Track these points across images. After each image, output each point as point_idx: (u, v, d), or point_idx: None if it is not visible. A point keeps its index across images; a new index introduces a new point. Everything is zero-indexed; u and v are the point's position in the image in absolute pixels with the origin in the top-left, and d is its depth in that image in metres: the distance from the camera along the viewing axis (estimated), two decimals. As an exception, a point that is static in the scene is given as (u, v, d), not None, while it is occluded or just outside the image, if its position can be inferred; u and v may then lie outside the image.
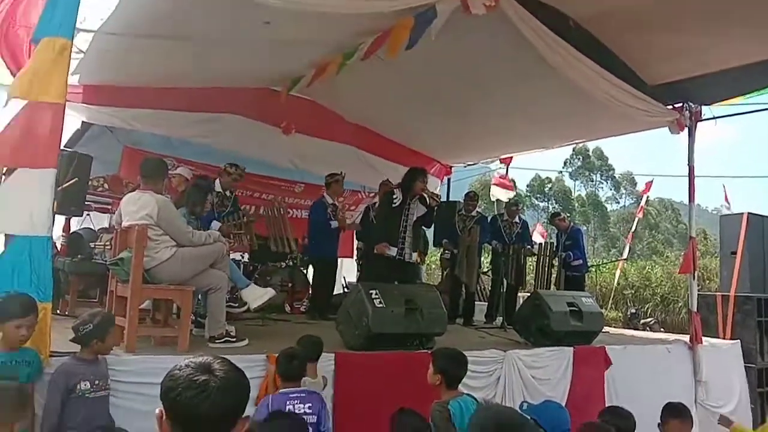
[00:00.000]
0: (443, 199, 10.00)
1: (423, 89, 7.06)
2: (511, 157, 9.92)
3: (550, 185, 42.48)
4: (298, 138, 8.23)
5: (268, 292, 4.77)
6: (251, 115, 7.83)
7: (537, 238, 11.67)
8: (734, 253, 7.49)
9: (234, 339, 4.35)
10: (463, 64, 6.30)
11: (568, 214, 9.99)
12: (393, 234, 6.11)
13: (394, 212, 6.13)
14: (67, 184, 5.45)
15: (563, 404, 4.95)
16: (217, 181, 6.21)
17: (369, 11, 4.44)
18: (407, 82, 6.85)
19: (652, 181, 14.24)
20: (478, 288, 8.71)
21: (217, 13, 4.73)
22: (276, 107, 7.49)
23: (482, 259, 8.62)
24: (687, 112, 6.31)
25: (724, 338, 6.97)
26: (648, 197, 15.98)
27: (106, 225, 6.67)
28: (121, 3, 4.36)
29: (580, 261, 8.52)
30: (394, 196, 6.15)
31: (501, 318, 7.49)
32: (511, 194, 10.93)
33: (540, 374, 5.12)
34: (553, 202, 41.26)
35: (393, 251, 6.12)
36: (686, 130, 6.40)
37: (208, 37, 5.35)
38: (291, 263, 7.44)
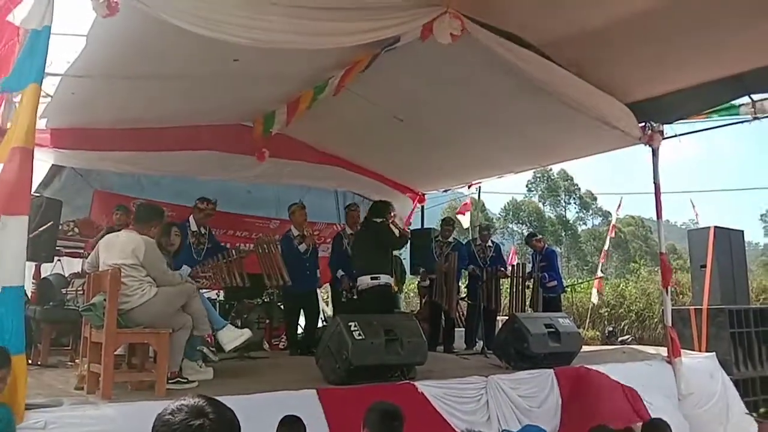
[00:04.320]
0: (417, 226, 10.09)
1: (394, 120, 7.14)
2: (480, 182, 10.10)
3: (524, 207, 43.00)
4: (276, 161, 8.07)
5: (245, 334, 4.74)
6: (224, 151, 7.75)
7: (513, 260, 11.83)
8: (704, 266, 7.61)
9: (185, 380, 4.33)
10: (432, 94, 6.40)
11: (542, 236, 10.11)
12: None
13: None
14: (42, 228, 5.35)
15: (558, 425, 5.00)
16: (191, 218, 6.16)
17: (337, 46, 4.51)
18: (377, 112, 6.92)
19: (621, 201, 14.62)
20: (457, 314, 8.72)
21: (185, 52, 4.74)
22: (247, 143, 7.48)
23: (460, 284, 8.65)
24: (649, 131, 6.47)
25: (699, 351, 7.06)
26: (618, 216, 16.28)
27: (78, 270, 6.55)
28: (88, 45, 4.36)
29: (555, 282, 8.62)
30: None
31: (481, 343, 7.50)
32: (467, 217, 11.20)
33: (526, 396, 5.12)
34: (527, 224, 41.69)
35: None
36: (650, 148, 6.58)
37: (176, 76, 5.37)
38: (267, 299, 7.37)
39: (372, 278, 6.12)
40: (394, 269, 8.56)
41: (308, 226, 7.17)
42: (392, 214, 6.47)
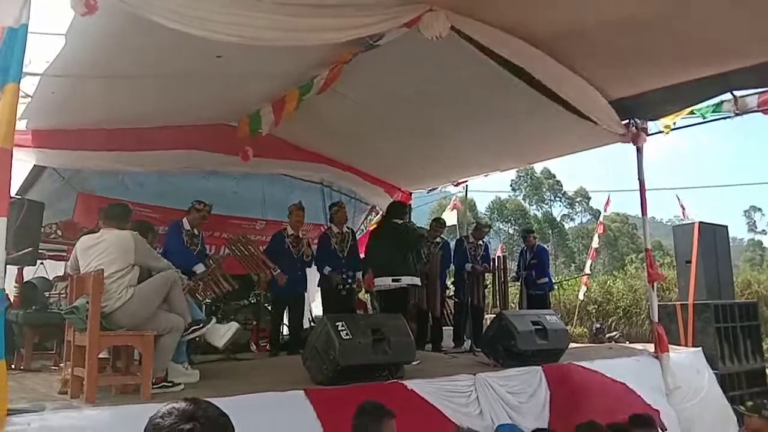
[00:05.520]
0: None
1: (378, 118, 7.13)
2: (466, 181, 10.14)
3: (507, 205, 43.15)
4: (261, 161, 7.87)
5: (232, 327, 4.68)
6: (208, 150, 7.66)
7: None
8: (689, 262, 7.65)
9: (170, 384, 4.27)
10: (417, 93, 6.39)
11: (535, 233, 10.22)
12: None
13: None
14: (21, 253, 5.30)
15: (548, 420, 5.03)
16: (185, 219, 6.14)
17: (320, 43, 4.48)
18: (362, 112, 6.91)
19: (609, 198, 14.73)
20: (445, 312, 8.71)
21: (165, 50, 4.68)
22: (231, 142, 7.42)
23: (447, 282, 8.64)
24: (634, 128, 6.49)
25: (686, 346, 7.10)
26: (605, 215, 16.35)
27: (61, 273, 6.47)
28: (68, 44, 4.29)
29: (545, 279, 8.70)
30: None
31: (470, 341, 7.50)
32: (454, 214, 11.31)
33: (515, 392, 5.12)
34: (511, 222, 41.89)
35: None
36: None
37: (158, 75, 5.31)
38: (254, 300, 7.31)
39: (393, 280, 6.21)
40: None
41: (305, 228, 7.24)
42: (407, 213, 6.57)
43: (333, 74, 5.44)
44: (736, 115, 6.43)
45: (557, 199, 46.70)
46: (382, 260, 6.47)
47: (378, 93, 6.43)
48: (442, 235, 8.25)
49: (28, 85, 4.81)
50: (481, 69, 5.35)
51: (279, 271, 6.74)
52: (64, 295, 5.56)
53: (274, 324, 7.12)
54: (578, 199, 47.17)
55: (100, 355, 3.96)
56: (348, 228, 7.37)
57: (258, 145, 7.37)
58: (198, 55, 4.77)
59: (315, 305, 9.36)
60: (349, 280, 6.95)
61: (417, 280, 6.49)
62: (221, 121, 7.32)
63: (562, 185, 46.10)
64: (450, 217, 11.61)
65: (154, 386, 4.04)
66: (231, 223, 8.47)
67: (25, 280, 6.22)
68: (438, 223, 8.37)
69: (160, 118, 6.72)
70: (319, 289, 7.31)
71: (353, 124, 7.39)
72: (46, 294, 6.14)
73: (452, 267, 8.21)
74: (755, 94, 6.22)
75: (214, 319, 4.80)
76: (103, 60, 4.75)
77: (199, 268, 5.79)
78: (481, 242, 8.29)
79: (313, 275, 7.23)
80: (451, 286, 8.61)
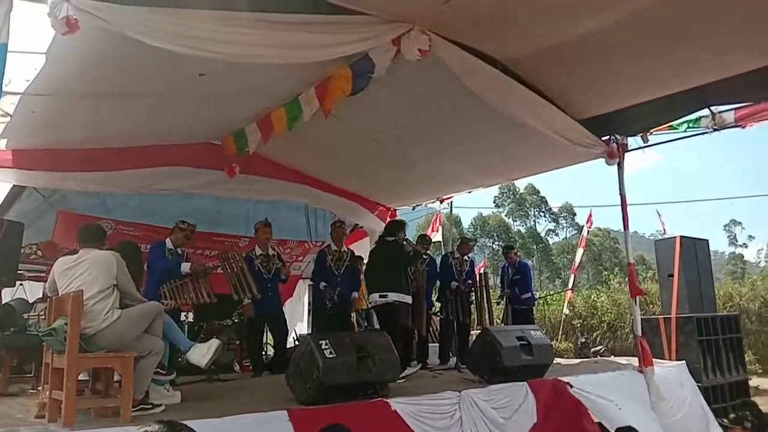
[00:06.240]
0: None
1: (362, 137, 7.14)
2: (451, 197, 10.16)
3: (490, 221, 43.48)
4: (246, 177, 7.94)
5: (213, 344, 4.60)
6: (193, 166, 7.60)
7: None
8: (671, 276, 7.71)
9: (149, 406, 4.20)
10: (399, 111, 6.43)
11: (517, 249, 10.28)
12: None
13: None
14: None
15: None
16: (169, 239, 6.09)
17: (302, 61, 4.50)
18: (348, 131, 6.91)
19: (591, 213, 14.86)
20: (431, 329, 8.68)
21: (149, 68, 4.67)
22: (216, 160, 7.39)
23: (433, 299, 8.62)
24: (614, 144, 6.56)
25: (669, 359, 7.14)
26: (589, 229, 16.45)
27: (41, 294, 6.38)
28: (48, 62, 4.26)
29: (529, 294, 8.72)
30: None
31: (455, 358, 7.47)
32: (439, 230, 11.41)
33: (500, 408, 5.08)
34: (494, 238, 42.16)
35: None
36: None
37: (140, 94, 5.29)
38: (237, 320, 7.23)
39: (380, 296, 6.29)
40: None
41: (276, 243, 7.22)
42: (403, 231, 6.76)
43: (328, 96, 5.40)
44: (714, 130, 6.53)
45: (542, 214, 47.13)
46: (373, 278, 6.61)
47: (362, 112, 6.45)
48: (427, 251, 8.25)
49: (8, 104, 4.77)
50: (466, 90, 5.39)
51: (249, 301, 6.59)
52: (43, 317, 5.47)
53: (254, 344, 7.04)
54: (563, 215, 47.63)
55: (80, 378, 3.89)
56: (348, 249, 7.39)
57: (240, 164, 7.38)
58: (181, 73, 4.76)
59: (301, 323, 9.32)
60: (337, 298, 6.93)
61: (406, 298, 6.47)
62: (205, 139, 7.30)
63: (546, 201, 46.62)
64: (435, 234, 11.64)
65: (134, 409, 3.97)
66: (214, 240, 8.41)
67: (3, 301, 6.12)
68: (423, 239, 8.36)
69: (142, 137, 6.68)
70: (311, 306, 7.26)
71: (337, 143, 7.38)
72: (25, 316, 6.04)
73: (438, 284, 8.19)
74: (732, 109, 6.34)
75: (195, 343, 4.74)
76: (85, 79, 4.72)
77: (185, 268, 5.78)
78: (466, 258, 8.28)
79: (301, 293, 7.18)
80: (437, 303, 8.59)
